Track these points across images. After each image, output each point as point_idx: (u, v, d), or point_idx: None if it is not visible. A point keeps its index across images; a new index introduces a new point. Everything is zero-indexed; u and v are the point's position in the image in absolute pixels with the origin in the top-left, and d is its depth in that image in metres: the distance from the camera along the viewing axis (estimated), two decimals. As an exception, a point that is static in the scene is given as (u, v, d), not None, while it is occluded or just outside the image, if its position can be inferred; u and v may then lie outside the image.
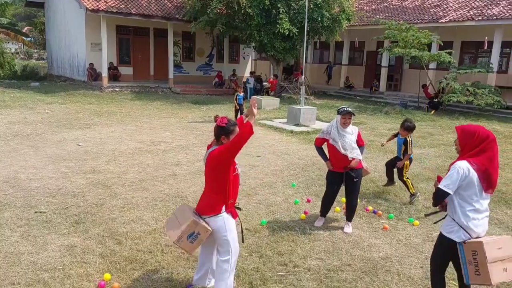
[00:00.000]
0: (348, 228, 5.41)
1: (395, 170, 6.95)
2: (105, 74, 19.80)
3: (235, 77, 23.31)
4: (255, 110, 3.39)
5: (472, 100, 15.95)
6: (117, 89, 20.01)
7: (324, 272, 4.32)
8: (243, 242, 3.83)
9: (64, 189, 6.45)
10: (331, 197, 5.58)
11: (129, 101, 17.71)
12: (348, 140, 5.16)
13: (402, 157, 6.72)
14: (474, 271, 3.13)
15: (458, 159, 3.26)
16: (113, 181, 7.01)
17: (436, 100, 17.41)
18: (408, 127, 6.61)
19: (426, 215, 3.88)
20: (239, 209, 3.93)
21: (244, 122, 3.66)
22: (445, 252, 3.37)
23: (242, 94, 13.31)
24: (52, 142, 9.65)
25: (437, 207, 3.46)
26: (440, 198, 3.25)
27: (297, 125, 13.14)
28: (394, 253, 4.81)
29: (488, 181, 3.18)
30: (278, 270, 4.32)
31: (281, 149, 10.06)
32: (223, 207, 3.53)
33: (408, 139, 6.63)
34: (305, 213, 5.90)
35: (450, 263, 3.46)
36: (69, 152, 8.77)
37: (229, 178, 3.49)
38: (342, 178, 5.36)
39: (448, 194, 3.19)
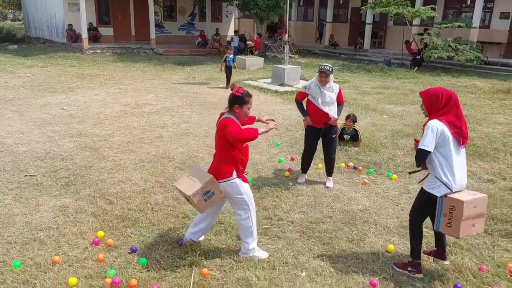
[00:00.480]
0: (330, 183, 5.67)
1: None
2: (85, 35, 19.29)
3: (219, 36, 22.94)
4: (269, 129, 3.76)
5: (453, 56, 16.13)
6: (98, 51, 19.59)
7: (306, 224, 4.59)
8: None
9: (52, 153, 6.53)
10: (310, 152, 5.76)
11: (111, 63, 17.42)
12: (328, 98, 5.30)
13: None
14: (447, 222, 3.40)
15: (429, 119, 3.45)
16: (100, 144, 7.10)
17: (419, 56, 17.53)
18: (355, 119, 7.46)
19: (410, 173, 4.11)
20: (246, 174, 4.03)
21: (255, 120, 3.99)
22: (425, 206, 3.62)
23: (231, 56, 12.95)
24: (36, 107, 9.59)
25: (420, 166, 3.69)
26: (422, 158, 3.45)
27: (282, 85, 13.19)
28: (372, 205, 5.11)
29: (460, 135, 3.40)
30: (263, 224, 4.57)
31: (266, 109, 10.18)
32: (234, 172, 3.72)
33: (357, 128, 7.45)
34: (289, 170, 6.13)
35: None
36: (54, 116, 8.76)
37: (235, 149, 3.65)
38: (319, 134, 5.57)
39: (429, 152, 3.39)
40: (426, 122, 3.46)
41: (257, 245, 3.95)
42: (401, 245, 4.18)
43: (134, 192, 5.21)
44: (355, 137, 7.47)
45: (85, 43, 19.27)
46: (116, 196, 5.09)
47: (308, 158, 5.83)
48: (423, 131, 3.44)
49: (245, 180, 3.82)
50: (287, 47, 14.53)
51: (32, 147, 6.79)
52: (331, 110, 5.36)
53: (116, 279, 3.42)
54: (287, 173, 6.00)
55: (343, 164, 6.39)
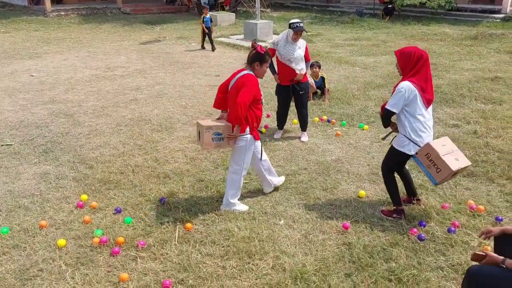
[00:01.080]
0: (304, 137, 5.87)
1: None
2: (46, -4, 18.37)
3: (188, -8, 22.17)
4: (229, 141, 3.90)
5: (426, 2, 16.21)
6: (62, 13, 18.76)
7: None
8: (261, 159, 4.16)
9: (26, 121, 6.47)
10: (284, 109, 5.90)
11: (77, 25, 16.78)
12: (296, 54, 5.37)
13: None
14: (436, 170, 3.59)
15: (401, 80, 3.61)
16: (74, 109, 7.05)
17: (390, 6, 17.50)
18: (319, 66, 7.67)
19: (383, 138, 4.30)
20: (261, 132, 4.16)
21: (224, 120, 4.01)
22: (397, 161, 3.86)
23: (208, 15, 12.29)
24: (4, 75, 9.31)
25: (390, 128, 3.86)
26: (387, 117, 3.64)
27: (255, 40, 13.05)
28: (345, 155, 5.35)
29: (426, 98, 3.58)
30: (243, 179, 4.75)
31: (240, 66, 10.16)
32: (247, 129, 3.88)
33: (324, 76, 7.61)
34: (265, 127, 6.28)
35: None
36: (24, 84, 8.56)
37: (251, 106, 3.80)
38: (290, 91, 5.68)
39: (393, 113, 3.57)
40: (398, 83, 3.62)
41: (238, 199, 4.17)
42: (371, 190, 4.46)
43: (113, 156, 5.29)
44: (322, 88, 7.59)
45: (48, 5, 18.40)
46: (96, 161, 5.16)
47: (282, 115, 5.97)
48: (393, 91, 3.61)
49: (257, 137, 3.99)
50: (258, 1, 14.26)
51: (5, 116, 6.70)
52: (298, 66, 5.45)
53: (104, 238, 3.58)
54: (263, 130, 6.15)
55: (316, 118, 6.58)
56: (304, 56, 5.55)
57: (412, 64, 3.54)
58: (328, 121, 6.54)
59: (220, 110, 4.16)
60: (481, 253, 2.57)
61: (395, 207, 3.97)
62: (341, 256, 3.43)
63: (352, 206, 4.19)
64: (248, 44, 12.70)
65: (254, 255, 3.43)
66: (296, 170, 4.98)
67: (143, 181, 4.70)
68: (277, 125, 6.08)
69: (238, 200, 4.13)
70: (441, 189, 4.44)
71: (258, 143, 4.08)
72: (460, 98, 7.43)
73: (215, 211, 4.08)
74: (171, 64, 10.49)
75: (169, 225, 3.85)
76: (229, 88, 3.93)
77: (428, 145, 3.56)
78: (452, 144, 3.78)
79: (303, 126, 5.92)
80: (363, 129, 6.18)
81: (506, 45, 11.73)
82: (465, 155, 5.14)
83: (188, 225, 3.81)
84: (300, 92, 5.67)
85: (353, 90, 8.05)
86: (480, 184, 4.56)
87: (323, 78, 7.57)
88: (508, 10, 16.52)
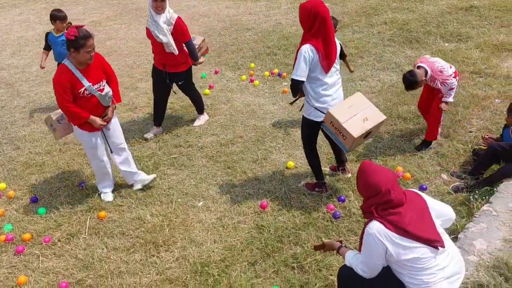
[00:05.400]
0: (198, 121, 5.06)
1: None
2: None
3: None
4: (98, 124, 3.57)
5: None
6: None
7: (216, 148, 4.61)
8: (112, 152, 3.88)
9: (-38, 96, 6.22)
10: (160, 104, 4.82)
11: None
12: (157, 31, 4.29)
13: None
14: (342, 137, 3.37)
15: (301, 43, 3.23)
16: (17, 77, 6.74)
17: None
18: None
19: (291, 103, 3.97)
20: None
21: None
22: (309, 130, 3.59)
23: None
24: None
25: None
26: (296, 87, 3.31)
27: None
28: (286, 118, 5.09)
29: (326, 63, 3.23)
30: (172, 153, 4.59)
31: (202, 10, 9.55)
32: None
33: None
34: (210, 87, 5.95)
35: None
36: (-32, 49, 8.15)
37: (71, 99, 3.42)
38: (165, 78, 4.60)
39: (302, 81, 3.25)
40: (299, 47, 3.25)
41: (162, 176, 4.10)
42: (302, 160, 4.26)
43: (43, 133, 5.09)
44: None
45: None
46: (24, 140, 4.98)
47: (158, 111, 4.84)
48: (296, 57, 3.26)
49: (88, 129, 3.60)
50: None
51: None
52: (169, 48, 4.36)
53: (9, 236, 3.50)
54: (207, 91, 5.83)
55: (267, 73, 6.22)
56: (176, 34, 4.33)
57: (310, 22, 3.14)
58: (279, 74, 6.17)
59: None
60: (319, 243, 2.55)
61: (317, 181, 3.81)
62: (250, 242, 3.34)
63: (277, 179, 4.03)
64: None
65: (161, 246, 3.35)
66: (231, 138, 4.76)
67: (68, 161, 4.54)
68: (154, 121, 4.93)
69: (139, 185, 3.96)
70: (373, 154, 4.24)
71: (96, 134, 3.67)
72: (426, 36, 6.92)
73: (134, 194, 3.95)
74: (130, 12, 9.87)
75: (82, 215, 3.75)
76: None
77: (328, 113, 3.27)
78: (363, 102, 3.43)
79: (198, 109, 5.06)
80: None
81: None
82: (410, 110, 4.90)
83: (102, 213, 3.71)
84: (179, 83, 4.70)
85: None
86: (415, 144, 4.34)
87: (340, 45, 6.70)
88: None
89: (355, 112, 3.35)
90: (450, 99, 4.00)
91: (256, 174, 4.14)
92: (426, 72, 3.89)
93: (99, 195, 3.94)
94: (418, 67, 3.94)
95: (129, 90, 6.03)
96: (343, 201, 3.65)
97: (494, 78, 5.40)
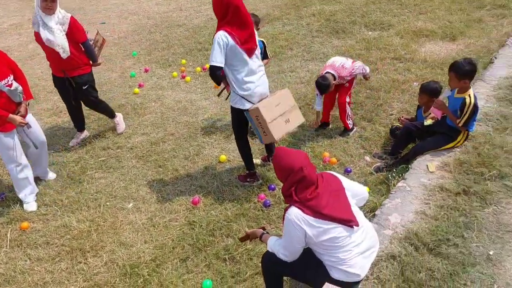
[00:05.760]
0: (119, 126, 4.80)
1: None
2: None
3: None
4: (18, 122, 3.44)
5: None
6: None
7: (146, 147, 4.52)
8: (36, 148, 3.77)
9: None
10: (74, 111, 4.56)
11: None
12: (48, 35, 3.90)
13: None
14: (263, 132, 3.44)
15: (217, 29, 3.24)
16: None
17: None
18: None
19: (218, 95, 3.98)
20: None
21: None
22: (238, 119, 3.61)
23: None
24: None
25: (223, 83, 3.55)
26: (215, 74, 3.29)
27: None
28: (218, 112, 5.09)
29: (246, 48, 3.26)
30: (100, 156, 4.44)
31: (131, 8, 9.30)
32: None
33: None
34: (140, 86, 5.83)
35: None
36: None
37: None
38: (65, 84, 4.29)
39: (220, 67, 3.24)
40: (215, 33, 3.25)
41: (90, 180, 3.96)
42: (235, 153, 4.27)
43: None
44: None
45: None
46: None
47: (75, 118, 4.63)
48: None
49: (7, 130, 3.47)
50: None
51: None
52: (64, 53, 4.02)
53: None
54: (136, 90, 5.71)
55: (198, 68, 6.18)
56: (72, 34, 4.01)
57: (223, 11, 3.15)
58: (211, 70, 6.14)
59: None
60: (243, 234, 2.61)
61: (248, 172, 3.85)
62: (182, 239, 3.31)
63: (209, 174, 4.03)
64: None
65: (89, 252, 3.25)
66: (162, 137, 4.69)
67: (-12, 173, 4.27)
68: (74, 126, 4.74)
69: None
70: (302, 142, 4.36)
71: (11, 134, 3.54)
72: (351, 26, 7.18)
73: (59, 201, 3.79)
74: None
75: (3, 227, 3.54)
76: None
77: (257, 109, 3.33)
78: (288, 101, 3.56)
79: (110, 116, 4.77)
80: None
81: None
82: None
83: (25, 224, 3.53)
84: (83, 87, 4.32)
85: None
86: (340, 130, 4.51)
87: (262, 42, 6.68)
88: None
89: (280, 111, 3.46)
90: (367, 70, 4.23)
91: (188, 170, 4.12)
92: (334, 76, 4.06)
93: (21, 205, 3.74)
94: (326, 73, 4.09)
95: (53, 94, 5.76)
96: (273, 189, 3.72)
97: (413, 63, 5.71)
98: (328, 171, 2.49)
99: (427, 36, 6.47)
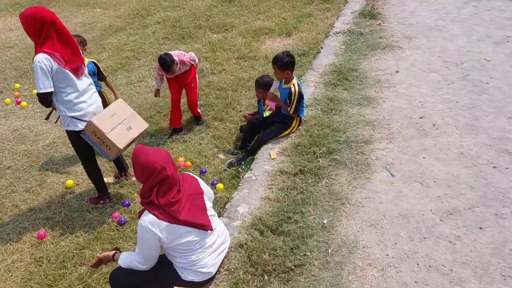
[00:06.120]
0: None
1: None
2: None
3: None
4: None
5: None
6: None
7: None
8: None
9: None
10: None
11: None
12: None
13: None
14: (106, 147, 3.23)
15: (36, 52, 2.97)
16: None
17: None
18: None
19: (46, 119, 3.67)
20: None
21: None
22: (77, 143, 3.35)
23: None
24: None
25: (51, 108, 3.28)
26: (44, 100, 3.00)
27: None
28: (62, 135, 4.72)
29: (72, 68, 3.06)
30: None
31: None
32: None
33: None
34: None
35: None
36: None
37: None
38: None
39: (49, 92, 2.98)
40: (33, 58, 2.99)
41: None
42: (83, 175, 4.00)
43: None
44: None
45: None
46: None
47: None
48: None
49: None
50: None
51: None
52: None
53: None
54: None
55: (35, 91, 5.64)
56: None
57: (37, 30, 2.91)
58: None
59: None
60: (95, 260, 2.54)
61: (100, 194, 3.65)
62: (28, 279, 2.99)
63: (55, 203, 3.71)
64: None
65: None
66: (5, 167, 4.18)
67: None
68: None
69: None
70: (171, 149, 4.28)
71: None
72: (196, 30, 7.32)
73: None
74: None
75: None
76: None
77: (91, 123, 3.15)
78: (125, 109, 3.41)
79: None
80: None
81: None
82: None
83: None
84: None
85: (88, 40, 7.17)
86: (193, 133, 4.56)
87: (94, 63, 6.05)
88: None
89: (118, 121, 3.30)
90: (196, 59, 4.48)
91: (31, 204, 3.74)
92: (177, 62, 4.15)
93: None
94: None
95: None
96: (128, 205, 3.59)
97: (256, 60, 6.04)
98: (187, 172, 2.48)
99: (266, 34, 6.91)
